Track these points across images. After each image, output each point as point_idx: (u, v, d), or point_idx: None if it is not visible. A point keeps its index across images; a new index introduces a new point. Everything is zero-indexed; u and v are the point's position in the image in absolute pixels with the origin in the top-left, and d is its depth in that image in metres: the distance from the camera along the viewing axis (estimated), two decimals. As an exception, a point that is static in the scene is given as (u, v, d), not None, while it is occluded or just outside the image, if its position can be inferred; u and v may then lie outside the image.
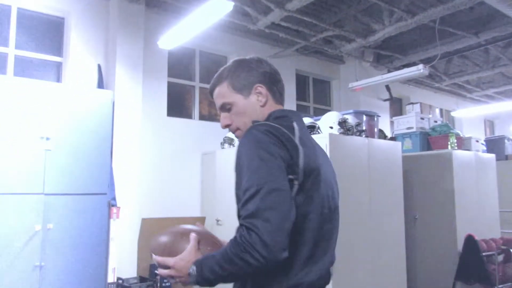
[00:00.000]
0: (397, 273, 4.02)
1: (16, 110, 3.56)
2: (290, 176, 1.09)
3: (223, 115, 1.30)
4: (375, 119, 4.37)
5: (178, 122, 5.51)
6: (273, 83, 1.31)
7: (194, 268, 1.09)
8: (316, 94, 7.55)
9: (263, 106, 1.27)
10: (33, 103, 3.65)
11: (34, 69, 4.63)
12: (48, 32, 4.80)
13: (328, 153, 3.59)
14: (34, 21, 4.66)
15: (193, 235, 1.17)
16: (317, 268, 1.15)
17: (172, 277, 1.16)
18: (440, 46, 5.77)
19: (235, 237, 1.04)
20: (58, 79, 4.77)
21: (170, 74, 5.53)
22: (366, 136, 4.04)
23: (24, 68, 4.51)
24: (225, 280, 1.08)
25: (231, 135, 5.23)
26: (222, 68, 1.34)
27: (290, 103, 6.72)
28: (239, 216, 1.09)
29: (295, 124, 1.19)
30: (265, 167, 1.06)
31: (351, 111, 4.19)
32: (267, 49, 6.47)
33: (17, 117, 3.55)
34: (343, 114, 3.98)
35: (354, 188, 3.77)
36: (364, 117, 4.21)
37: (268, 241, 0.99)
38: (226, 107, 1.29)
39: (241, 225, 1.05)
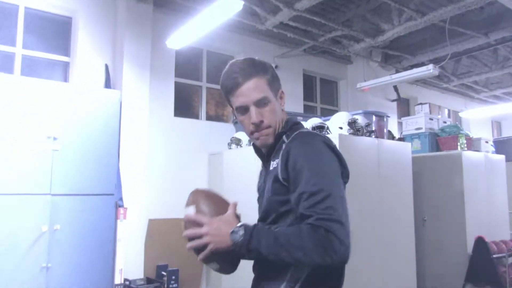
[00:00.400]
0: (407, 275, 3.97)
1: (24, 110, 3.54)
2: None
3: (257, 110, 1.26)
4: (385, 119, 4.33)
5: (185, 122, 5.48)
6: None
7: (242, 232, 1.10)
8: (323, 95, 7.51)
9: (283, 111, 1.36)
10: (40, 103, 3.63)
11: (41, 68, 4.62)
12: (56, 32, 4.79)
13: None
14: (41, 21, 4.65)
15: (233, 202, 1.25)
16: None
17: (205, 241, 1.15)
18: (449, 46, 5.71)
19: (313, 229, 1.06)
20: (65, 79, 4.76)
21: (177, 74, 5.51)
22: (376, 137, 3.99)
23: (31, 67, 4.50)
24: (272, 259, 1.09)
25: (239, 135, 5.20)
26: (256, 61, 1.31)
27: (297, 104, 6.68)
28: (284, 210, 1.20)
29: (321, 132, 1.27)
30: (331, 173, 1.15)
31: (360, 111, 4.14)
32: (275, 49, 6.43)
33: (24, 117, 3.53)
34: (353, 115, 3.94)
35: (363, 189, 3.72)
36: (374, 118, 4.17)
37: (346, 243, 1.06)
38: (263, 102, 1.26)
39: (318, 226, 1.06)
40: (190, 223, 1.19)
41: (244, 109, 1.27)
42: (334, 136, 3.67)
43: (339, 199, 1.10)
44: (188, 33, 4.45)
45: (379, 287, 3.66)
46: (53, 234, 3.49)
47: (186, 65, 5.70)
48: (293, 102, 6.54)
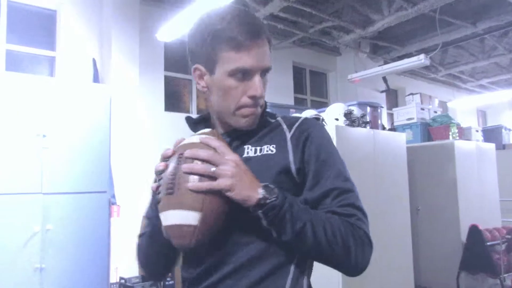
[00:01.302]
0: (404, 264, 3.99)
1: (9, 106, 3.41)
2: None
3: (261, 81, 0.96)
4: (379, 110, 4.32)
5: (176, 116, 5.38)
6: None
7: (277, 190, 0.86)
8: (313, 87, 7.48)
9: None
10: (27, 99, 3.50)
11: (26, 63, 4.47)
12: (40, 25, 4.63)
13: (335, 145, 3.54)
14: (25, 14, 4.49)
15: None
16: None
17: (225, 185, 0.83)
18: (440, 35, 5.73)
19: (353, 228, 0.93)
20: (52, 73, 4.61)
21: (166, 68, 5.40)
22: (371, 128, 3.98)
23: (16, 63, 4.35)
24: (294, 240, 0.87)
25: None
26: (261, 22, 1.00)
27: (288, 96, 6.64)
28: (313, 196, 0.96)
29: None
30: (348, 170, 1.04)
31: (355, 102, 4.12)
32: (264, 41, 6.36)
33: (11, 114, 3.40)
34: (348, 106, 3.92)
35: (360, 180, 3.70)
36: (368, 109, 4.15)
37: (371, 254, 0.97)
38: (266, 73, 0.98)
39: (359, 227, 0.95)
40: (195, 155, 0.86)
41: (243, 74, 0.94)
42: (330, 128, 3.64)
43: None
44: (179, 26, 4.35)
45: (376, 277, 3.67)
46: (45, 234, 3.39)
47: (175, 59, 5.59)
48: (284, 95, 6.49)
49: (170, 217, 0.84)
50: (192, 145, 0.87)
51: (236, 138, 1.01)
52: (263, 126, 1.03)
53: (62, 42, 4.56)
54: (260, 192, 0.84)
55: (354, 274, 0.95)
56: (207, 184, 0.83)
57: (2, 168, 3.29)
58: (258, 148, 0.99)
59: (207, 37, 0.94)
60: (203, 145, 0.87)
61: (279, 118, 1.06)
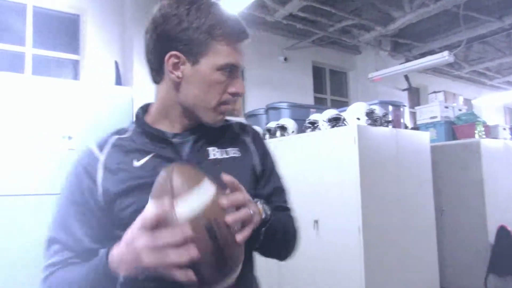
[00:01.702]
0: (429, 266, 3.91)
1: (36, 109, 3.49)
2: None
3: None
4: (401, 109, 4.25)
5: (197, 117, 5.43)
6: None
7: (263, 206, 0.89)
8: (333, 86, 7.42)
9: None
10: (52, 102, 3.58)
11: (51, 67, 4.58)
12: (64, 30, 4.74)
13: (356, 145, 3.49)
14: (49, 19, 4.60)
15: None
16: None
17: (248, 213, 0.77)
18: (464, 31, 5.59)
19: (293, 218, 1.12)
20: (76, 77, 4.71)
21: (186, 69, 5.44)
22: (393, 127, 3.92)
23: (41, 66, 4.46)
24: (271, 241, 0.92)
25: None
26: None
27: (308, 96, 6.60)
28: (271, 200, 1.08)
29: None
30: None
31: (376, 101, 4.07)
32: (284, 41, 6.35)
33: (37, 117, 3.48)
34: (370, 105, 3.87)
35: (382, 180, 3.65)
36: (390, 108, 4.09)
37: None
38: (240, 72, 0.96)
39: (295, 219, 1.12)
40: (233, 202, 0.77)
41: (230, 70, 0.91)
42: (352, 128, 3.60)
43: None
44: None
45: (401, 278, 3.61)
46: (71, 234, 3.46)
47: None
48: (304, 95, 6.46)
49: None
50: (213, 200, 0.73)
51: (200, 137, 0.97)
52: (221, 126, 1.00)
53: (86, 46, 4.65)
54: (262, 211, 0.88)
55: (287, 260, 1.07)
56: (249, 228, 0.76)
57: (29, 169, 3.38)
58: (224, 150, 0.98)
59: (202, 25, 0.86)
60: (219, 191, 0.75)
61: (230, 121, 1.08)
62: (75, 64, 4.75)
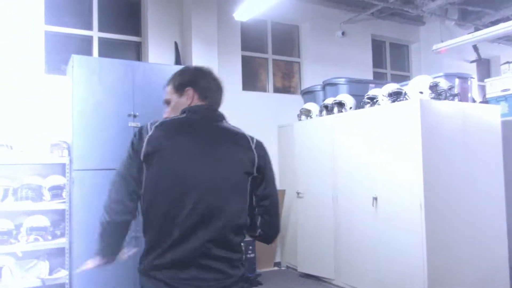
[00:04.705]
0: (498, 248, 3.73)
1: (103, 90, 3.71)
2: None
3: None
4: (469, 82, 4.00)
5: (253, 95, 5.48)
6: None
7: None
8: (394, 60, 7.11)
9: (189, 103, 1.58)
10: (118, 82, 3.79)
11: (116, 49, 4.82)
12: (127, 14, 4.95)
13: (419, 120, 3.36)
14: (113, 4, 4.81)
15: None
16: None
17: None
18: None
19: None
20: (138, 58, 4.93)
21: (243, 48, 5.48)
22: (460, 101, 3.72)
23: (107, 49, 4.70)
24: None
25: (308, 106, 5.11)
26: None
27: (367, 71, 6.40)
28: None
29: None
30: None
31: (441, 74, 3.87)
32: (341, 15, 6.15)
33: (106, 96, 3.71)
34: (434, 78, 3.68)
35: (447, 157, 3.50)
36: (457, 80, 3.87)
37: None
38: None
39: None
40: None
41: None
42: (414, 102, 3.46)
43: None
44: (256, 4, 4.37)
45: (466, 258, 3.48)
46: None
47: (251, 38, 5.65)
48: (362, 69, 6.26)
49: None
50: None
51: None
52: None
53: (146, 28, 4.83)
54: None
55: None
56: None
57: (98, 146, 3.63)
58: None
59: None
60: None
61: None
62: (137, 45, 4.96)
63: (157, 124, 1.44)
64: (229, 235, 1.39)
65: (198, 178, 1.39)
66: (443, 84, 3.61)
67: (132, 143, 1.43)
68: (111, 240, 1.48)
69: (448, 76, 3.82)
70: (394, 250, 3.60)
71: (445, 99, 3.59)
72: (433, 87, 3.55)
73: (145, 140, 1.39)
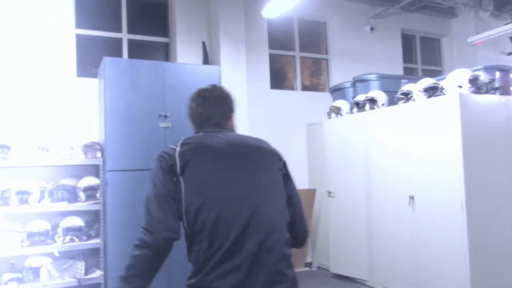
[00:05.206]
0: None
1: (135, 90, 3.73)
2: None
3: None
4: (511, 74, 3.82)
5: (281, 94, 5.41)
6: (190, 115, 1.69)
7: None
8: (424, 55, 6.90)
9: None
10: (148, 82, 3.80)
11: (144, 51, 4.86)
12: (155, 15, 4.97)
13: (458, 115, 3.21)
14: (141, 6, 4.85)
15: None
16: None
17: None
18: None
19: None
20: (167, 58, 4.94)
21: (270, 46, 5.43)
22: (501, 94, 3.55)
23: (136, 50, 4.74)
24: None
25: (338, 103, 5.01)
26: None
27: (396, 67, 6.23)
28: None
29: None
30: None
31: (481, 66, 3.71)
32: (369, 10, 6.02)
33: (137, 97, 3.72)
34: (473, 71, 3.53)
35: (489, 152, 3.34)
36: (497, 73, 3.69)
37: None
38: None
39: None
40: None
41: None
42: (452, 96, 3.32)
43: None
44: (284, 2, 4.32)
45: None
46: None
47: (278, 36, 5.59)
48: (391, 66, 6.10)
49: None
50: None
51: None
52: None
53: (175, 29, 4.83)
54: None
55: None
56: None
57: (131, 147, 3.64)
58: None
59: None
60: None
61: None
62: (166, 46, 4.98)
63: (180, 141, 1.49)
64: (281, 232, 1.41)
65: (239, 179, 1.43)
66: (483, 77, 3.46)
67: (161, 166, 1.43)
68: (152, 270, 1.37)
69: (488, 69, 3.66)
70: (433, 251, 3.47)
71: (485, 93, 3.44)
72: (473, 81, 3.40)
73: (176, 156, 1.43)
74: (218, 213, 1.34)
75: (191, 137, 1.54)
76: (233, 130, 1.63)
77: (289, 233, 1.48)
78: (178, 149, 1.45)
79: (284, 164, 1.58)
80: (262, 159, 1.51)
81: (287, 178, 1.56)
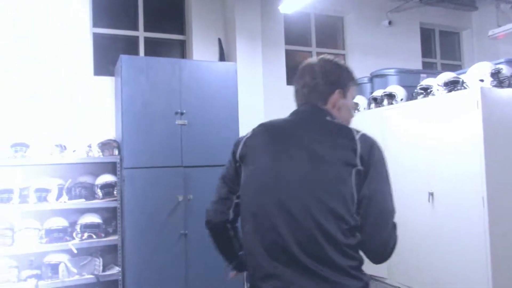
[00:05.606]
0: None
1: (152, 88, 3.75)
2: None
3: None
4: (534, 67, 3.69)
5: (298, 90, 5.37)
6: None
7: None
8: (443, 49, 6.76)
9: None
10: (165, 80, 3.81)
11: (161, 48, 4.87)
12: (171, 13, 4.98)
13: (480, 110, 3.13)
14: (157, 4, 4.86)
15: None
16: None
17: None
18: None
19: None
20: (183, 55, 4.95)
21: (287, 42, 5.38)
22: (524, 88, 3.44)
23: (152, 48, 4.75)
24: None
25: (355, 99, 4.94)
26: None
27: (415, 61, 6.11)
28: None
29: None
30: None
31: (503, 60, 3.59)
32: (387, 4, 5.91)
33: (154, 95, 3.74)
34: (496, 64, 3.43)
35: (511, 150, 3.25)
36: (520, 67, 3.58)
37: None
38: None
39: None
40: None
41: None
42: (474, 90, 3.23)
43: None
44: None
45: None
46: (187, 203, 3.70)
47: (294, 32, 5.54)
48: (410, 60, 5.99)
49: None
50: None
51: None
52: None
53: (190, 26, 4.84)
54: None
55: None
56: None
57: (148, 144, 3.66)
58: None
59: (352, 77, 1.46)
60: None
61: None
62: (182, 44, 4.98)
63: (255, 127, 1.45)
64: (321, 243, 1.18)
65: (282, 175, 1.27)
66: (506, 70, 3.35)
67: (231, 151, 1.46)
68: (218, 246, 1.56)
69: (511, 62, 3.54)
70: (454, 248, 3.39)
71: (508, 86, 3.33)
72: (495, 74, 3.30)
73: (242, 142, 1.42)
74: (248, 208, 1.34)
75: (267, 122, 1.45)
76: (327, 114, 1.37)
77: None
78: (248, 135, 1.44)
79: (364, 157, 1.25)
80: (326, 152, 1.26)
81: (364, 175, 1.25)
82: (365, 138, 1.30)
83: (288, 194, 1.23)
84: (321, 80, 1.40)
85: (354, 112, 1.57)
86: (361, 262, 1.23)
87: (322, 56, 1.50)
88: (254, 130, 1.43)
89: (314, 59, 1.49)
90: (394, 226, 1.29)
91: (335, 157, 1.25)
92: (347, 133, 1.30)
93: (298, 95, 1.47)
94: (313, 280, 1.16)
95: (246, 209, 1.34)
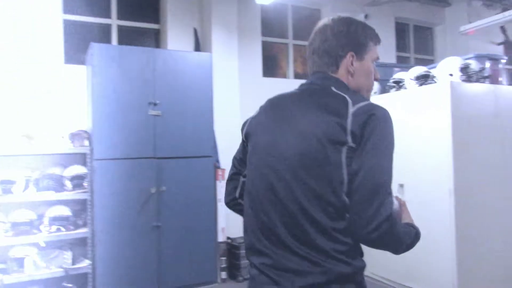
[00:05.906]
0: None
1: (125, 77, 3.67)
2: None
3: None
4: (500, 64, 3.81)
5: (274, 82, 5.35)
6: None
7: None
8: (417, 43, 6.87)
9: None
10: (137, 70, 3.73)
11: (134, 37, 4.77)
12: (145, 1, 4.88)
13: (449, 103, 3.20)
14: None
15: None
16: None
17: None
18: None
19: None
20: (157, 45, 4.86)
21: (263, 33, 5.36)
22: (491, 83, 3.54)
23: (126, 37, 4.65)
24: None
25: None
26: None
27: (389, 55, 6.20)
28: None
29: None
30: None
31: (472, 55, 3.68)
32: (363, -3, 5.96)
33: (126, 84, 3.66)
34: (465, 59, 3.51)
35: (479, 141, 3.34)
36: (487, 63, 3.68)
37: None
38: None
39: None
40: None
41: (374, 62, 1.32)
42: (443, 84, 3.30)
43: None
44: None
45: (498, 246, 3.33)
46: (160, 195, 3.66)
47: (271, 23, 5.52)
48: (385, 54, 6.04)
49: None
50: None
51: None
52: None
53: (165, 15, 4.74)
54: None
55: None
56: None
57: (119, 135, 3.59)
58: None
59: (368, 36, 1.27)
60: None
61: None
62: (156, 33, 4.89)
63: (262, 105, 1.36)
64: (304, 226, 1.13)
65: (272, 155, 1.20)
66: (474, 66, 3.44)
67: (241, 127, 1.43)
68: None
69: (479, 58, 3.64)
70: (422, 239, 3.48)
71: (476, 81, 3.42)
72: (464, 69, 3.38)
73: (249, 121, 1.37)
74: (248, 189, 1.31)
75: (273, 97, 1.35)
76: (335, 83, 1.23)
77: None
78: (256, 112, 1.36)
79: (355, 132, 1.11)
80: (307, 127, 1.16)
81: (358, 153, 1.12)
82: (363, 110, 1.13)
83: (276, 175, 1.18)
84: (332, 42, 1.24)
85: (376, 76, 1.31)
86: (352, 246, 1.14)
87: (338, 14, 1.29)
88: (261, 106, 1.35)
89: (327, 19, 1.28)
90: (382, 203, 1.09)
91: (320, 134, 1.12)
92: (340, 107, 1.14)
93: (309, 63, 1.32)
94: (302, 261, 1.13)
95: (246, 187, 1.33)
